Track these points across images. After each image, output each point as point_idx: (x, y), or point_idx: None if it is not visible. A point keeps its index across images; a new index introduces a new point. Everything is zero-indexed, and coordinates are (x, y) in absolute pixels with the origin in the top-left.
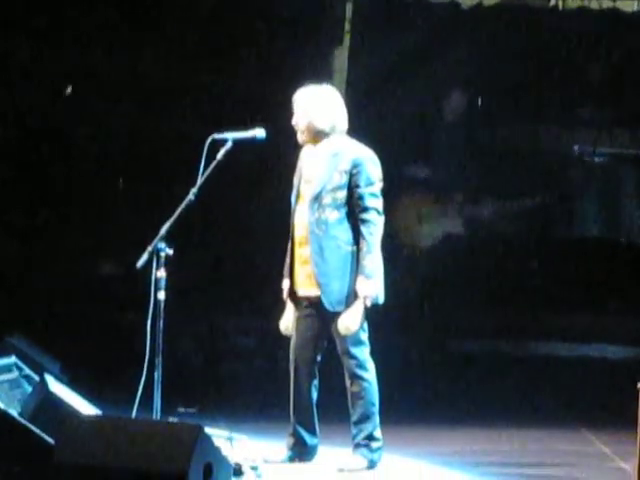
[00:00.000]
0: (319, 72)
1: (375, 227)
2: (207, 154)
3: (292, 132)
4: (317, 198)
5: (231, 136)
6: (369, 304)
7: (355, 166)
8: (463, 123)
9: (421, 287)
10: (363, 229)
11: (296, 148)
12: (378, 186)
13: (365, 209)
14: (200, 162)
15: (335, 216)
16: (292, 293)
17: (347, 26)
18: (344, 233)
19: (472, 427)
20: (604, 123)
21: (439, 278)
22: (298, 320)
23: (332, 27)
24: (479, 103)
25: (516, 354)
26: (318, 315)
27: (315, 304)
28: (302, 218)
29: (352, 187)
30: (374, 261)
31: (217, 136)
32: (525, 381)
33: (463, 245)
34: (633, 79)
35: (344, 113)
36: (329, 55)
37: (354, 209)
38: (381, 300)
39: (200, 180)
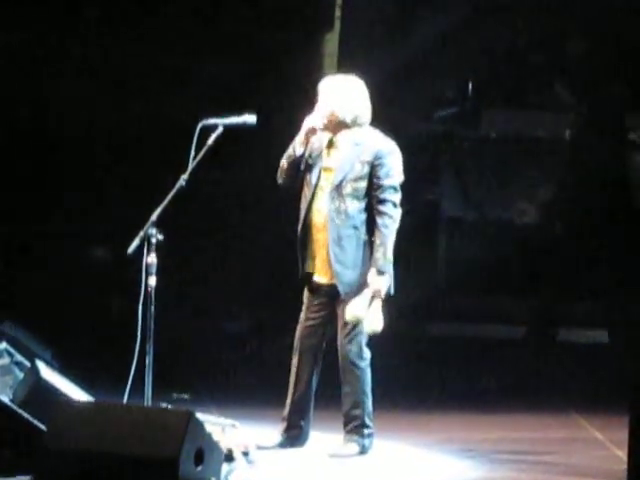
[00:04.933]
0: (310, 57)
1: (391, 220)
2: (197, 140)
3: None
4: (338, 187)
5: (221, 122)
6: (380, 298)
7: (377, 157)
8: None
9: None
10: (379, 220)
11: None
12: (398, 179)
13: (382, 201)
14: (190, 148)
15: (356, 206)
16: (308, 277)
17: (337, 11)
18: (364, 223)
19: (463, 414)
20: None
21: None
22: (308, 308)
23: (323, 12)
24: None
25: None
26: (329, 303)
27: (328, 291)
28: (322, 205)
29: (372, 178)
30: (387, 255)
31: (207, 122)
32: (514, 366)
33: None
34: None
35: (368, 106)
36: (320, 40)
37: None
38: (392, 291)
39: (191, 166)
